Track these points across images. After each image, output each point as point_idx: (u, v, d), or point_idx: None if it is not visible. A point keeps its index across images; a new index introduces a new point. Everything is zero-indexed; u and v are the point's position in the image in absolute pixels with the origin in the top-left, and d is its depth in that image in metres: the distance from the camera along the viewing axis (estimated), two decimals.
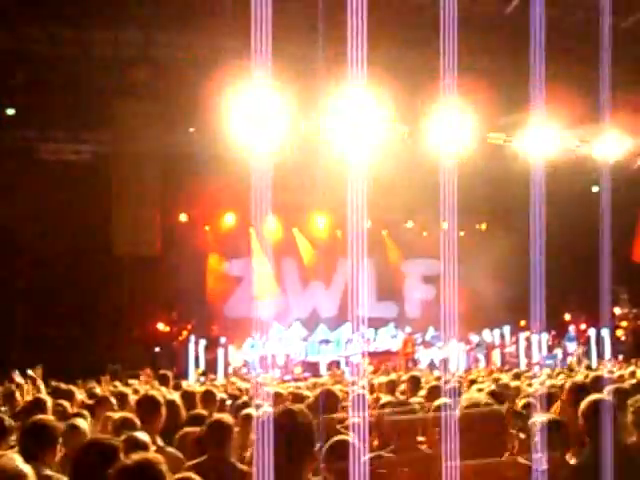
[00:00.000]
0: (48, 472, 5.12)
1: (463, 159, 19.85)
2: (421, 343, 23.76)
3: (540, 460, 5.21)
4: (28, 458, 4.93)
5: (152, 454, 3.48)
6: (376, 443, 6.08)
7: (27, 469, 2.88)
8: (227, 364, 21.83)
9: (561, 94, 17.23)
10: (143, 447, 4.55)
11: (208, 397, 8.25)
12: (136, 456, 3.37)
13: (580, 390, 6.15)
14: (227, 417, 5.88)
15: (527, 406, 8.15)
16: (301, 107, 19.09)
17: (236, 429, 5.84)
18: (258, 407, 7.72)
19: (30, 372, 13.29)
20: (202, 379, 19.36)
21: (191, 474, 4.12)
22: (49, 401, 7.56)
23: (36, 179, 19.30)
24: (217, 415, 6.10)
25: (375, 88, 16.41)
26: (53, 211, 19.37)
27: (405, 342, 22.93)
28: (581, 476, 4.85)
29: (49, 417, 6.03)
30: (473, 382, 10.84)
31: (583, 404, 5.10)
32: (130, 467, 3.31)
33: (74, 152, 20.89)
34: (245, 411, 6.78)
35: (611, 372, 13.91)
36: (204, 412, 7.10)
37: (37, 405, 7.37)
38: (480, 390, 8.38)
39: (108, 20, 17.79)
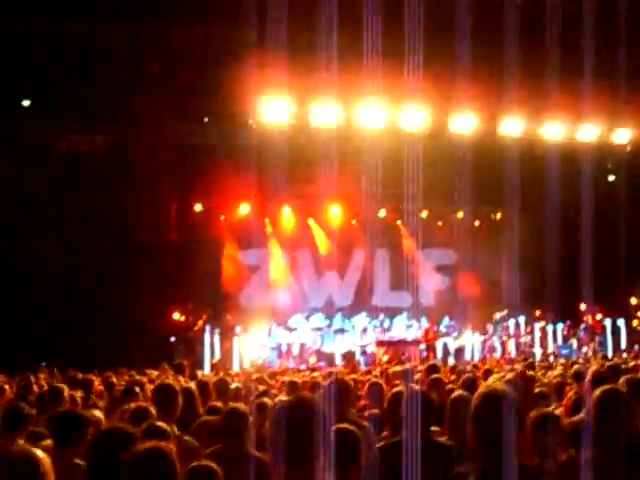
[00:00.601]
0: (78, 461, 5.17)
1: (477, 149, 19.90)
2: (437, 333, 23.78)
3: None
4: (60, 446, 5.00)
5: (163, 443, 3.51)
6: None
7: (40, 454, 2.92)
8: (242, 353, 21.91)
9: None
10: (163, 436, 4.59)
11: (221, 386, 8.27)
12: (148, 444, 3.42)
13: (599, 379, 6.11)
14: (242, 406, 5.91)
15: (542, 396, 8.17)
16: (315, 98, 19.12)
17: (251, 418, 5.87)
18: (273, 396, 7.77)
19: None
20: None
21: (207, 461, 4.15)
22: (66, 390, 7.61)
23: (51, 169, 19.41)
24: (233, 404, 6.13)
25: (390, 78, 16.39)
26: (68, 202, 19.45)
27: (426, 331, 22.96)
28: (593, 467, 4.82)
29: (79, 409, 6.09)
30: (489, 372, 10.83)
31: (595, 394, 5.06)
32: (140, 454, 3.35)
33: (89, 142, 20.95)
34: (261, 400, 6.82)
35: (626, 362, 13.86)
36: (219, 404, 7.13)
37: (54, 394, 7.43)
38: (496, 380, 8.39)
39: (123, 12, 17.84)
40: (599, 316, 24.65)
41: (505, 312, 23.62)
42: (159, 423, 5.05)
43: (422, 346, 22.71)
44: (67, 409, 5.68)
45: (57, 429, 5.34)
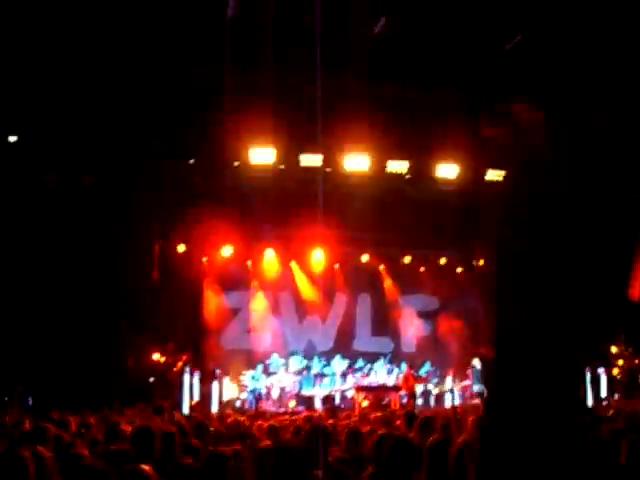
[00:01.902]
0: None
1: (461, 196, 20.06)
2: (417, 378, 23.74)
3: None
4: None
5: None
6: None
7: None
8: (221, 396, 21.80)
9: None
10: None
11: (200, 429, 8.23)
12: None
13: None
14: (223, 449, 5.88)
15: None
16: (300, 140, 19.24)
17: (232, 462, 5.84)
18: (254, 440, 7.73)
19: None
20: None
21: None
22: (50, 430, 7.55)
23: (38, 206, 19.40)
24: (213, 448, 6.09)
25: (375, 123, 16.57)
26: (52, 238, 19.41)
27: (406, 377, 22.93)
28: None
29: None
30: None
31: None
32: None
33: (76, 181, 20.93)
34: (242, 443, 6.78)
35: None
36: (195, 443, 7.08)
37: (38, 433, 7.36)
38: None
39: (108, 48, 17.91)
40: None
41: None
42: (142, 466, 5.02)
43: (401, 392, 22.66)
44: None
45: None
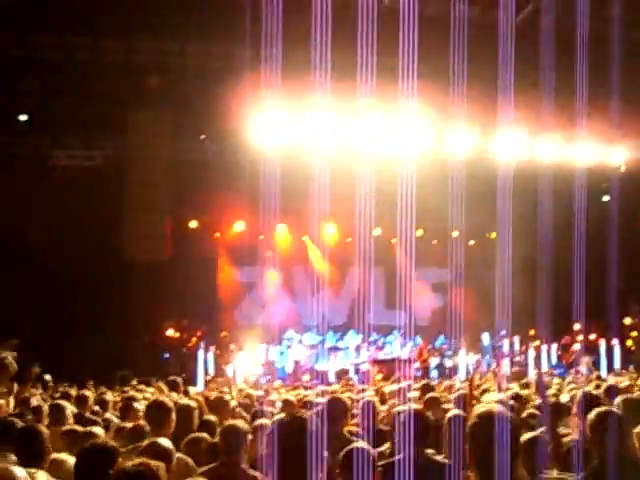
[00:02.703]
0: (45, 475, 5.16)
1: (471, 169, 19.93)
2: (431, 350, 23.80)
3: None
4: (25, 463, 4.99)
5: (153, 461, 3.53)
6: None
7: (20, 472, 2.90)
8: (236, 371, 21.88)
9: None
10: (165, 454, 4.61)
11: (220, 404, 8.26)
12: (137, 461, 3.43)
13: (590, 401, 6.11)
14: (241, 423, 5.89)
15: (532, 416, 8.17)
16: (310, 115, 19.17)
17: (249, 437, 5.86)
18: (269, 415, 7.76)
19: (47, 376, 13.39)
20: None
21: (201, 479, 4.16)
22: (68, 407, 7.59)
23: (48, 185, 19.43)
24: (231, 421, 6.11)
25: (384, 95, 16.44)
26: (65, 217, 19.46)
27: (421, 350, 22.95)
28: None
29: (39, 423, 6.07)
30: (485, 391, 10.84)
31: (590, 416, 5.07)
32: (128, 472, 3.36)
33: (87, 158, 20.99)
34: (257, 421, 6.80)
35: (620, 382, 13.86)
36: (213, 418, 7.11)
37: (57, 411, 7.40)
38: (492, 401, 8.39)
39: (122, 28, 17.92)
40: (593, 336, 24.66)
41: (504, 332, 23.61)
42: (161, 440, 5.05)
43: (416, 365, 22.69)
44: (29, 425, 5.65)
45: (20, 445, 5.32)
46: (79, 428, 6.50)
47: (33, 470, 4.69)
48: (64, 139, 20.75)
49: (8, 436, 5.58)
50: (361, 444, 4.21)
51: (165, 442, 5.03)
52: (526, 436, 5.25)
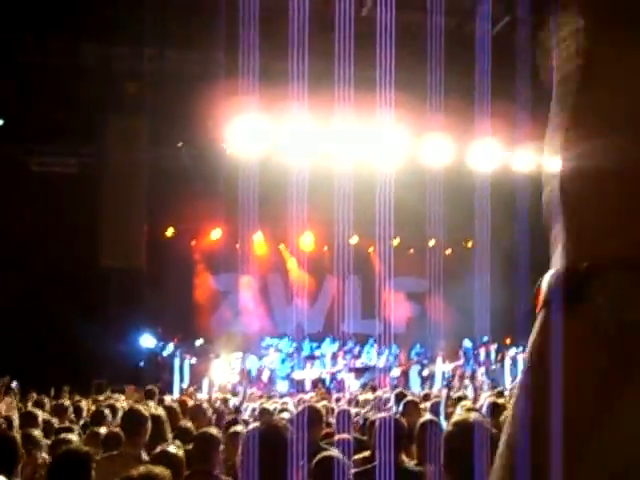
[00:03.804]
0: None
1: (448, 177, 20.03)
2: (410, 360, 23.91)
3: None
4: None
5: (158, 467, 3.51)
6: None
7: None
8: (212, 379, 21.80)
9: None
10: (175, 462, 4.62)
11: (197, 412, 8.24)
12: (142, 468, 3.41)
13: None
14: (214, 430, 5.88)
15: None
16: (288, 123, 19.18)
17: (222, 446, 5.84)
18: (244, 423, 7.74)
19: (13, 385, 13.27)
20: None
21: None
22: (40, 415, 7.55)
23: (23, 192, 19.29)
24: (204, 428, 6.10)
25: (362, 104, 16.51)
26: (40, 224, 19.33)
27: (400, 358, 23.08)
28: None
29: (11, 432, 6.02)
30: (460, 399, 10.86)
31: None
32: (134, 479, 3.34)
33: (62, 165, 20.87)
34: (232, 428, 6.79)
35: None
36: (189, 425, 7.09)
37: (28, 419, 7.35)
38: (469, 409, 8.42)
39: (99, 34, 17.86)
40: None
41: (486, 338, 23.75)
42: (170, 448, 5.05)
43: (396, 374, 22.78)
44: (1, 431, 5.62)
45: None
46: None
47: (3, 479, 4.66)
48: (40, 145, 20.62)
49: None
50: (333, 452, 4.20)
51: (175, 450, 5.05)
52: None
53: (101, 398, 13.33)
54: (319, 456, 4.14)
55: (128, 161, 20.08)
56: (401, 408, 8.02)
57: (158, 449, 5.17)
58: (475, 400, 12.13)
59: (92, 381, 18.05)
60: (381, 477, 4.87)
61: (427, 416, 6.43)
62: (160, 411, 7.70)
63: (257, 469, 3.37)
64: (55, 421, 8.08)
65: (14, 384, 14.13)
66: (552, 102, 1.01)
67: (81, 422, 9.07)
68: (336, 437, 6.72)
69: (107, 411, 8.02)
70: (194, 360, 22.04)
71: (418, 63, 15.23)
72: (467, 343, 24.15)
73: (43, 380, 15.06)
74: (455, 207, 19.51)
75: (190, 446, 5.78)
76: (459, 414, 4.49)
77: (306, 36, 12.48)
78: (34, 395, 12.57)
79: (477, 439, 3.59)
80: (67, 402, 10.17)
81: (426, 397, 12.36)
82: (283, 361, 23.17)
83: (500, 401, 10.21)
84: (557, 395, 0.90)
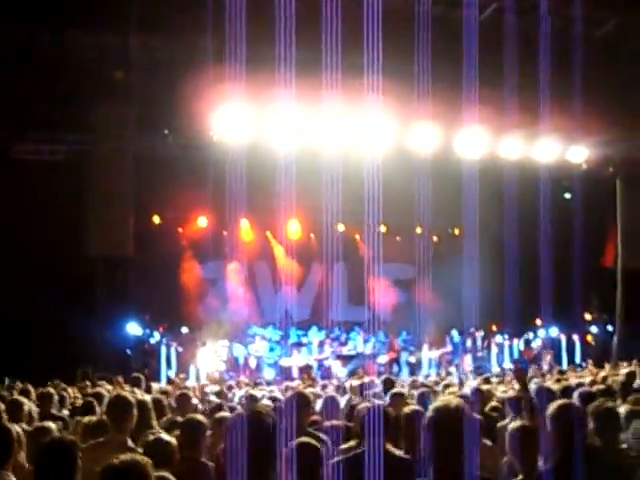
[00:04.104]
0: (9, 475, 5.11)
1: (435, 165, 20.05)
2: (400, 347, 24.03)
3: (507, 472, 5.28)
4: None
5: (139, 455, 3.50)
6: None
7: None
8: (199, 367, 21.81)
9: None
10: (168, 450, 4.64)
11: (183, 400, 8.24)
12: (123, 456, 3.40)
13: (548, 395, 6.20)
14: (200, 417, 5.88)
15: (495, 410, 8.25)
16: (275, 111, 19.12)
17: (209, 432, 5.84)
18: (231, 410, 7.75)
19: None
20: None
21: (166, 474, 4.14)
22: (26, 404, 7.51)
23: (9, 179, 19.19)
24: (191, 415, 6.10)
25: (349, 91, 16.47)
26: (26, 212, 19.24)
27: (391, 344, 23.19)
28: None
29: (5, 423, 6.00)
30: (447, 387, 10.91)
31: (550, 409, 5.14)
32: (116, 467, 3.33)
33: (49, 153, 20.75)
34: (218, 414, 6.79)
35: (581, 377, 14.07)
36: (178, 418, 7.08)
37: (14, 409, 7.31)
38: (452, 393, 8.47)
39: (86, 21, 17.72)
40: (555, 331, 24.93)
41: (472, 329, 23.84)
42: (164, 437, 5.06)
43: (383, 360, 22.89)
44: None
45: None
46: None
47: None
48: (26, 133, 20.49)
49: None
50: (307, 439, 4.19)
51: (168, 438, 5.06)
52: (514, 427, 5.33)
53: (88, 384, 13.30)
54: (295, 442, 4.11)
55: (115, 149, 19.97)
56: (388, 399, 8.05)
57: (151, 437, 5.15)
58: (460, 386, 12.19)
59: (77, 369, 18.00)
60: (369, 463, 4.88)
61: (413, 406, 6.45)
62: (146, 398, 7.70)
63: (241, 455, 3.37)
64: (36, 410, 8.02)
65: None
66: None
67: (65, 411, 9.06)
68: (327, 423, 6.74)
69: (95, 403, 8.00)
70: (180, 348, 22.05)
71: (406, 50, 15.17)
72: (455, 336, 24.27)
73: (28, 369, 15.01)
74: (443, 194, 19.50)
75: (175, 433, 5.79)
76: (440, 400, 4.48)
77: (293, 23, 12.44)
78: (19, 384, 12.51)
79: (460, 424, 3.59)
80: (52, 390, 10.12)
81: (412, 385, 12.37)
82: (272, 349, 23.21)
83: (485, 387, 10.28)
84: None
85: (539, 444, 5.29)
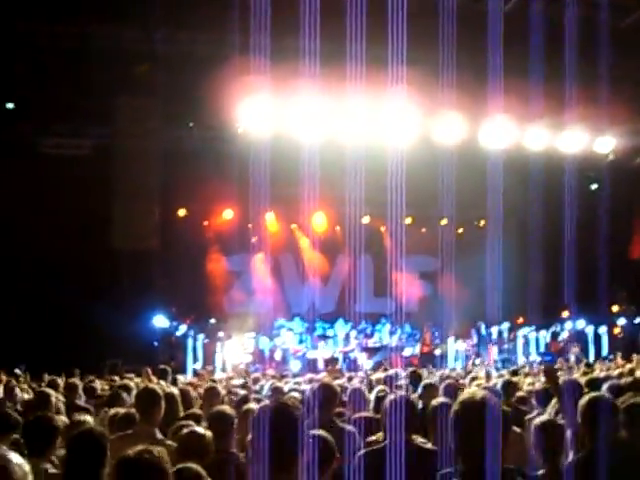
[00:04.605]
0: (48, 466, 5.17)
1: (460, 156, 19.93)
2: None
3: (535, 462, 5.25)
4: (31, 453, 5.00)
5: (155, 447, 3.51)
6: None
7: (17, 460, 2.86)
8: (225, 359, 21.89)
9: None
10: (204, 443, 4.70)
11: (211, 393, 8.27)
12: (139, 447, 3.41)
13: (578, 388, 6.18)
14: (228, 408, 5.90)
15: (522, 401, 8.22)
16: (299, 103, 19.12)
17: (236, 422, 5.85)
18: (257, 402, 7.76)
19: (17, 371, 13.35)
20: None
21: (190, 464, 4.15)
22: (53, 395, 7.57)
23: (36, 173, 19.32)
24: (218, 407, 6.12)
25: (374, 82, 16.42)
26: (53, 206, 19.38)
27: (424, 339, 23.26)
28: (578, 472, 4.87)
29: (50, 413, 6.06)
30: (474, 379, 10.88)
31: (581, 402, 5.13)
32: (131, 458, 3.34)
33: (74, 147, 20.87)
34: (245, 406, 6.81)
35: (608, 369, 13.96)
36: (199, 412, 7.10)
37: (42, 400, 7.38)
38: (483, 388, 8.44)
39: (109, 15, 17.81)
40: (582, 323, 24.76)
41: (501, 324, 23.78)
42: (199, 430, 5.09)
43: (408, 353, 22.91)
44: (38, 415, 5.65)
45: (27, 436, 5.34)
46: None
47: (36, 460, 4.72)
48: (52, 127, 20.63)
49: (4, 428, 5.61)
50: (316, 432, 4.17)
51: (203, 431, 5.08)
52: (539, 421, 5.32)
53: (115, 378, 13.38)
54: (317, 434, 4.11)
55: (140, 142, 20.07)
56: (419, 391, 8.06)
57: (184, 430, 5.17)
58: (487, 379, 12.14)
59: (106, 362, 18.13)
60: (391, 456, 4.87)
61: (440, 398, 6.43)
62: (174, 390, 7.74)
63: (267, 447, 3.37)
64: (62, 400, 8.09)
65: (17, 370, 14.21)
66: None
67: (92, 402, 9.11)
68: (355, 415, 6.74)
69: (125, 394, 8.04)
70: (207, 340, 22.12)
71: (430, 40, 15.09)
72: (482, 328, 24.18)
73: (57, 362, 15.13)
74: (467, 186, 19.40)
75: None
76: (466, 392, 4.47)
77: (317, 14, 12.41)
78: (46, 376, 12.63)
79: (485, 416, 3.57)
80: (78, 381, 10.21)
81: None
82: (301, 341, 23.24)
83: (514, 379, 10.23)
84: None
85: (564, 439, 5.27)
